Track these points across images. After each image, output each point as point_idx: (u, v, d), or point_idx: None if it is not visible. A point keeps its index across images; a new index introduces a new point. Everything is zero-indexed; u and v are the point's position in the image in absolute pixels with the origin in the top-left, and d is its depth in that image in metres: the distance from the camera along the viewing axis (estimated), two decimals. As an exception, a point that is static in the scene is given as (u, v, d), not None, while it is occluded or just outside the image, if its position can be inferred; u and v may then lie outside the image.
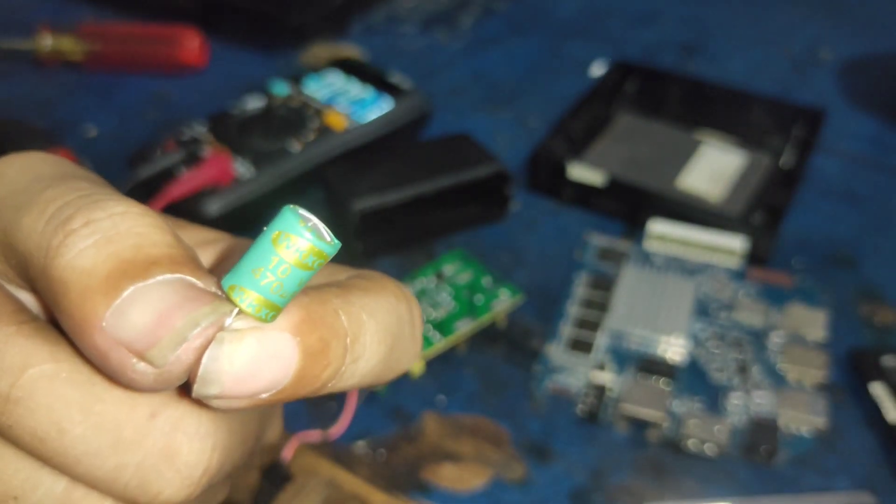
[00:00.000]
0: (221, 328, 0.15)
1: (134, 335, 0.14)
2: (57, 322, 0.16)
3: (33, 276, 0.16)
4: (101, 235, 0.15)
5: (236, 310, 0.15)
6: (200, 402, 0.16)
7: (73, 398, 0.16)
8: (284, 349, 0.16)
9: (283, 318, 0.16)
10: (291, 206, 0.15)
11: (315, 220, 0.15)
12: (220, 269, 0.20)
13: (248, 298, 0.15)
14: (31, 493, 0.16)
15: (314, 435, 0.34)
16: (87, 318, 0.14)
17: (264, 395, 0.16)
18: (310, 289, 0.17)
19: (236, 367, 0.15)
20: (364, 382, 0.18)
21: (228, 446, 0.17)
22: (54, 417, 0.16)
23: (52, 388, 0.16)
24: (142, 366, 0.15)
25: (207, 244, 0.21)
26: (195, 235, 0.21)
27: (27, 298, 0.18)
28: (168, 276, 0.15)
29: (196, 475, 0.16)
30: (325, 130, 0.45)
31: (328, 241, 0.15)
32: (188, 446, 0.16)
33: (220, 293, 0.15)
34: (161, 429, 0.16)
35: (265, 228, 0.15)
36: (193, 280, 0.15)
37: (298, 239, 0.14)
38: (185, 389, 0.16)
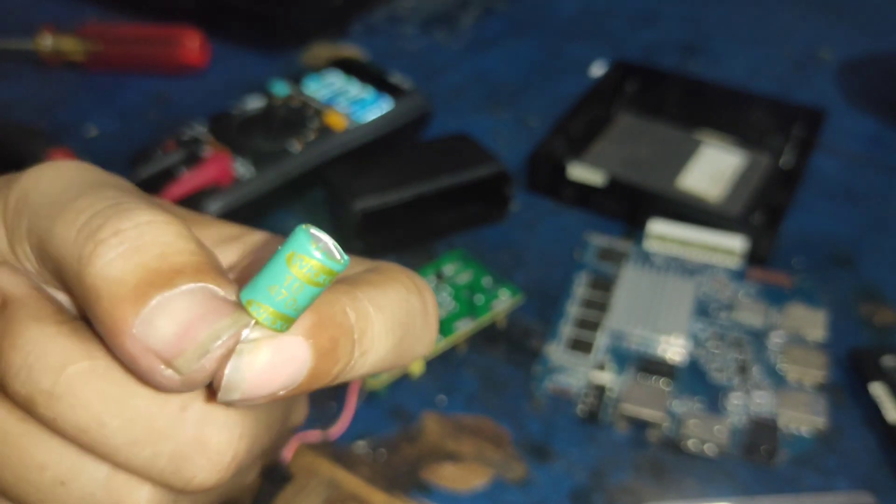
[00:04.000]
0: (241, 338, 0.16)
1: (161, 345, 0.16)
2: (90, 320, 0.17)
3: (68, 281, 0.17)
4: (128, 246, 0.16)
5: (253, 321, 0.16)
6: None
7: (109, 393, 0.17)
8: (298, 352, 0.17)
9: (297, 323, 0.17)
10: (304, 226, 0.16)
11: (326, 238, 0.16)
12: (244, 268, 0.21)
13: (265, 313, 0.16)
14: (76, 478, 0.18)
15: (314, 435, 0.34)
16: (118, 325, 0.16)
17: (281, 392, 0.17)
18: None
19: (255, 373, 0.16)
20: (375, 370, 0.19)
21: (255, 433, 0.19)
22: (93, 411, 0.17)
23: (89, 385, 0.17)
24: (169, 372, 0.16)
25: (231, 240, 0.22)
26: (218, 232, 0.22)
27: (64, 298, 0.19)
28: (191, 285, 0.16)
29: (225, 461, 0.18)
30: (325, 130, 0.46)
31: (337, 260, 0.16)
32: (217, 436, 0.18)
33: (238, 302, 0.16)
34: (191, 420, 0.17)
35: (280, 248, 0.16)
36: (215, 288, 0.16)
37: (310, 260, 0.15)
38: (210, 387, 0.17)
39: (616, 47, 0.60)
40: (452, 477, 0.33)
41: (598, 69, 0.57)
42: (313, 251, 0.15)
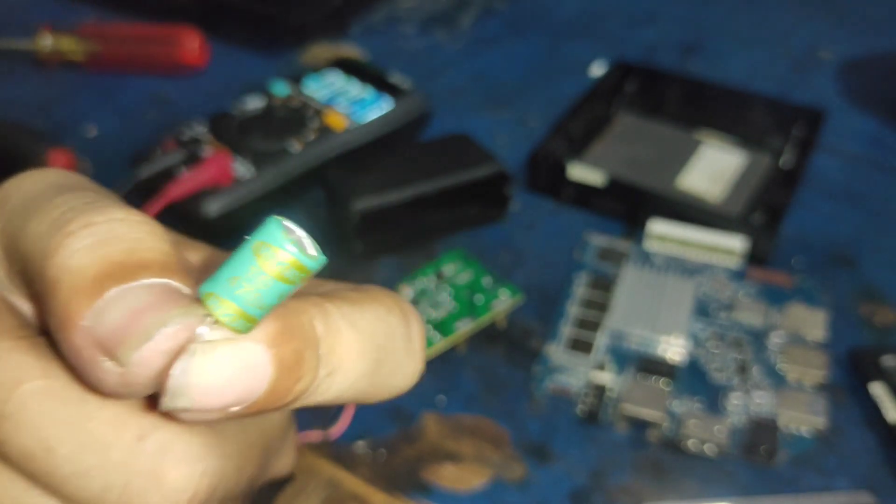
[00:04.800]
0: (193, 335, 0.15)
1: (106, 333, 0.14)
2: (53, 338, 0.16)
3: (32, 278, 0.16)
4: (96, 238, 0.15)
5: (210, 318, 0.15)
6: (191, 426, 0.16)
7: (62, 416, 0.16)
8: (258, 361, 0.15)
9: (259, 328, 0.15)
10: (276, 216, 0.14)
11: (300, 232, 0.14)
12: None
13: (223, 308, 0.14)
14: None
15: (314, 435, 0.34)
16: (70, 317, 0.14)
17: (236, 409, 0.15)
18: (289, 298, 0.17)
19: (207, 379, 0.15)
20: (344, 397, 0.17)
21: (221, 473, 0.17)
22: (42, 435, 0.15)
23: (42, 405, 0.16)
24: (108, 364, 0.14)
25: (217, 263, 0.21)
26: (212, 256, 0.21)
27: (30, 311, 0.18)
28: (154, 280, 0.15)
29: (182, 501, 0.16)
30: (325, 130, 0.46)
31: (312, 256, 0.14)
32: (175, 471, 0.16)
33: (197, 297, 0.15)
34: (148, 451, 0.16)
35: (246, 238, 0.14)
36: (179, 286, 0.15)
37: (279, 251, 0.14)
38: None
39: (616, 47, 0.60)
40: (452, 477, 0.33)
41: (597, 69, 0.57)
42: (284, 242, 0.14)
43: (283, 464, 0.22)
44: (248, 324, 0.14)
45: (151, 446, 0.16)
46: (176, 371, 0.14)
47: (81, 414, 0.16)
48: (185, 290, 0.15)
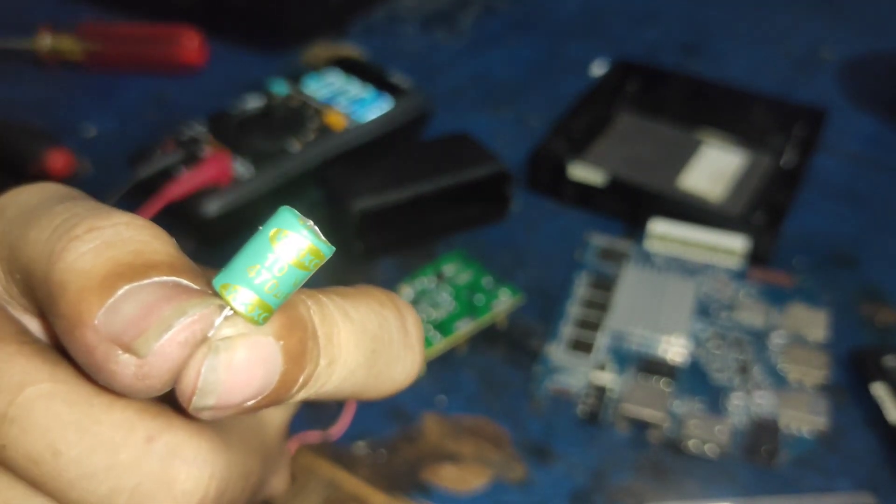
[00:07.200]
0: (210, 326, 0.15)
1: (121, 327, 0.14)
2: (59, 346, 0.16)
3: (35, 285, 0.16)
4: (102, 241, 0.15)
5: (227, 308, 0.15)
6: (199, 429, 0.16)
7: (69, 419, 0.15)
8: (272, 354, 0.15)
9: (268, 322, 0.16)
10: (287, 206, 0.15)
11: (311, 222, 0.15)
12: None
13: (242, 297, 0.15)
14: None
15: (314, 435, 0.34)
16: (81, 317, 0.14)
17: (250, 403, 0.16)
18: None
19: (233, 375, 0.15)
20: (345, 389, 0.18)
21: (227, 477, 0.17)
22: (49, 438, 0.15)
23: (48, 408, 0.16)
24: (125, 357, 0.14)
25: None
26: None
27: (31, 324, 0.18)
28: (164, 278, 0.15)
29: (193, 503, 0.16)
30: (324, 130, 0.45)
31: (326, 242, 0.15)
32: (186, 473, 0.16)
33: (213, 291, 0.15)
34: (158, 453, 0.16)
35: (261, 227, 0.15)
36: (189, 283, 0.15)
37: (297, 237, 0.14)
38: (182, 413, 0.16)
39: (617, 46, 0.60)
40: (452, 478, 0.33)
41: (598, 68, 0.57)
42: (301, 228, 0.14)
43: (278, 483, 0.23)
44: (264, 313, 0.15)
45: (161, 448, 0.16)
46: (205, 370, 0.15)
47: (89, 416, 0.16)
48: (196, 287, 0.15)
